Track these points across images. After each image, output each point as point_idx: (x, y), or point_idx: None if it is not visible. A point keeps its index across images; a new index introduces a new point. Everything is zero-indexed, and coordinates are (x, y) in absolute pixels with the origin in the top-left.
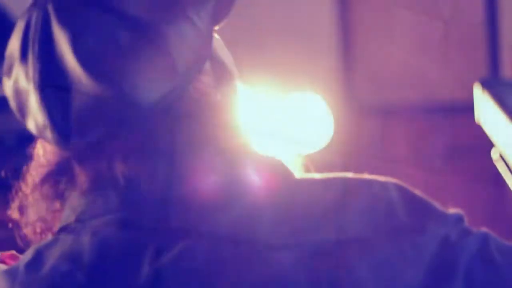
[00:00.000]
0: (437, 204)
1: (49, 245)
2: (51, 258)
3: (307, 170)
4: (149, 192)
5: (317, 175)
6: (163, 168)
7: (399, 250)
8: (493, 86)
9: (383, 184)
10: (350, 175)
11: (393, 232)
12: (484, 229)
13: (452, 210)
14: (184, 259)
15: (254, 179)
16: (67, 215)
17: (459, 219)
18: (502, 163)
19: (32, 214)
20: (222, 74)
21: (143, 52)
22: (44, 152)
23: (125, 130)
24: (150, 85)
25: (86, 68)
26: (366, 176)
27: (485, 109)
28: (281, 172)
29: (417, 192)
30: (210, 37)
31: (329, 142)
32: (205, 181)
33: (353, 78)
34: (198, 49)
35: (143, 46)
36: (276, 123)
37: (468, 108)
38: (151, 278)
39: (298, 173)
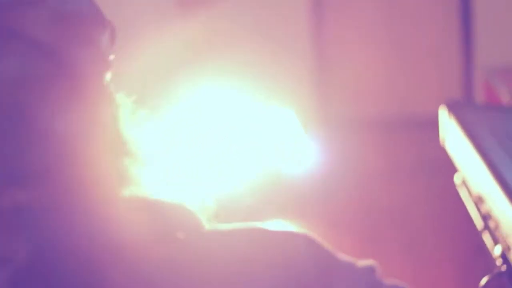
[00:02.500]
0: (345, 257)
1: None
2: None
3: (218, 212)
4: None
5: (225, 226)
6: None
7: None
8: (459, 109)
9: (292, 240)
10: (259, 225)
11: None
12: (396, 281)
13: (362, 262)
14: None
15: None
16: None
17: (368, 271)
18: (465, 189)
19: None
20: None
21: (58, 78)
22: None
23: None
24: (63, 112)
25: None
26: (277, 226)
27: (450, 132)
28: (187, 224)
29: (326, 245)
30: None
31: (304, 156)
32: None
33: (328, 93)
34: (103, 75)
35: (58, 73)
36: (250, 138)
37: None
38: None
39: (207, 216)
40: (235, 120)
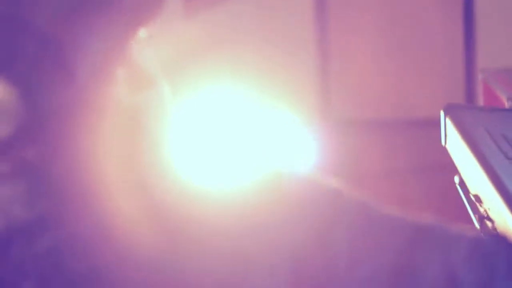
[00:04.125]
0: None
1: None
2: None
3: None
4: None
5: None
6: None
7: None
8: (458, 112)
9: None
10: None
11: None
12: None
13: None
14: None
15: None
16: None
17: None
18: (464, 190)
19: None
20: (140, 81)
21: (44, 62)
22: None
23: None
24: (47, 93)
25: None
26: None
27: (450, 134)
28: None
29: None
30: (118, 48)
31: (305, 156)
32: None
33: (331, 95)
34: (103, 60)
35: (45, 57)
36: (252, 139)
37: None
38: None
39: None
40: (238, 120)
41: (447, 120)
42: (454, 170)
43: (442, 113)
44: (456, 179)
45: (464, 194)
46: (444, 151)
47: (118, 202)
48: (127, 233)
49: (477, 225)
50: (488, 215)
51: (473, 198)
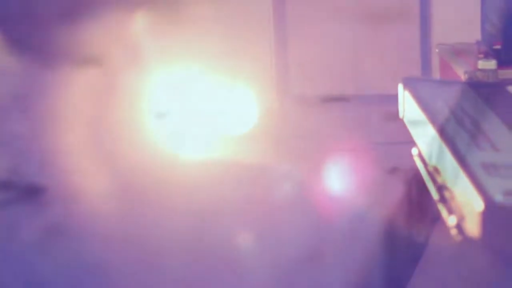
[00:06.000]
0: None
1: None
2: None
3: None
4: None
5: None
6: None
7: None
8: (416, 85)
9: None
10: None
11: None
12: None
13: None
14: None
15: None
16: None
17: None
18: (420, 160)
19: None
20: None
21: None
22: None
23: None
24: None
25: None
26: None
27: (408, 107)
28: None
29: None
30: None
31: (263, 130)
32: None
33: (288, 70)
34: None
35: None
36: (210, 106)
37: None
38: None
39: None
40: (199, 96)
41: (406, 92)
42: (411, 144)
43: (400, 86)
44: (414, 151)
45: (422, 166)
46: (401, 126)
47: (87, 165)
48: (93, 194)
49: (435, 195)
50: (446, 186)
51: (431, 169)
